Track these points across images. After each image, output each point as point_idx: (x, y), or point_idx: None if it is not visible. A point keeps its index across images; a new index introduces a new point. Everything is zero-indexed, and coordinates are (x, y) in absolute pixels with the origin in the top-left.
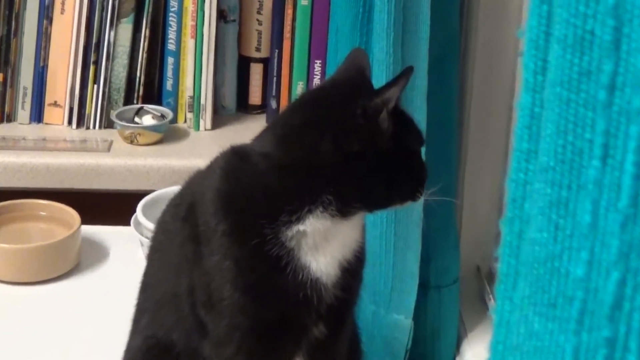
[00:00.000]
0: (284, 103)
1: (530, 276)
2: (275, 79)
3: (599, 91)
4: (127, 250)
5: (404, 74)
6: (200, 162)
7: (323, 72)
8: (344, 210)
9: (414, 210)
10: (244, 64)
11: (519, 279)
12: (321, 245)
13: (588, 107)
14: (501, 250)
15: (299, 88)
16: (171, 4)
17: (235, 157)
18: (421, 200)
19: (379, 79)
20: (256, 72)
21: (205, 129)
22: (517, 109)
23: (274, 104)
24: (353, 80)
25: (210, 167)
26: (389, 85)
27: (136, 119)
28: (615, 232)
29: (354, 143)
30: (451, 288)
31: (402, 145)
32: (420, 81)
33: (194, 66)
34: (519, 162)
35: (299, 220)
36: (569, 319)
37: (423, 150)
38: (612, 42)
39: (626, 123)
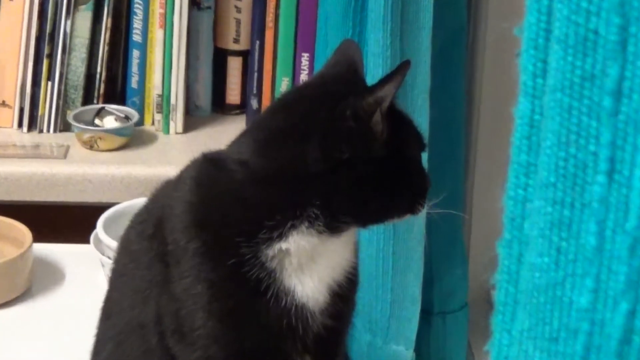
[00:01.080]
0: (266, 103)
1: (530, 306)
2: (256, 74)
3: (604, 98)
4: (85, 272)
5: (400, 69)
6: (170, 170)
7: (311, 67)
8: (333, 226)
9: (414, 225)
10: (220, 57)
11: (518, 308)
12: (307, 266)
13: (592, 116)
14: (498, 277)
15: (284, 85)
16: None
17: (209, 165)
18: (423, 214)
19: (374, 75)
20: (234, 67)
21: (176, 133)
22: (515, 116)
23: (254, 104)
24: (343, 76)
25: (180, 177)
26: (382, 82)
27: (96, 121)
28: (623, 257)
29: (343, 149)
30: (458, 314)
31: (399, 151)
32: (421, 77)
33: (163, 60)
34: (517, 177)
35: (281, 237)
36: (573, 355)
37: (425, 156)
38: (618, 42)
39: (634, 134)
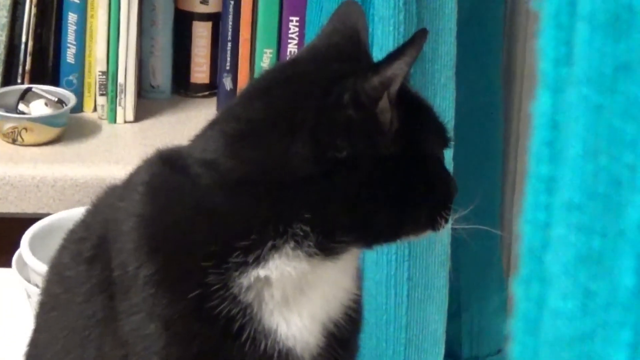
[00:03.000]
0: (242, 82)
1: None
2: (229, 45)
3: None
4: (6, 302)
5: (415, 41)
6: (117, 171)
7: (301, 36)
8: (327, 247)
9: (436, 244)
10: (183, 22)
11: None
12: (294, 299)
13: (627, 117)
14: (514, 324)
15: (266, 59)
16: None
17: (166, 166)
18: (447, 229)
19: (382, 47)
20: (202, 36)
21: (126, 121)
22: (533, 115)
23: (228, 84)
24: (341, 49)
25: (129, 182)
26: (391, 57)
27: (21, 107)
28: None
29: (340, 146)
30: None
31: (414, 148)
32: (445, 49)
33: (108, 26)
34: (536, 195)
35: (259, 262)
36: None
37: (449, 154)
38: None
39: None
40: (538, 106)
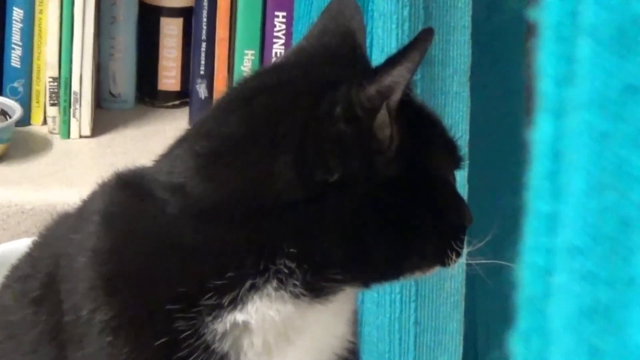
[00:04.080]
0: (219, 90)
1: None
2: (204, 46)
3: None
4: None
5: (418, 42)
6: (71, 196)
7: (288, 36)
8: (316, 286)
9: (447, 282)
10: (149, 19)
11: None
12: (278, 348)
13: (636, 148)
14: None
15: (247, 62)
16: None
17: (125, 192)
18: (460, 264)
19: (383, 47)
20: (171, 34)
21: (81, 136)
22: (532, 144)
23: (202, 91)
24: (334, 52)
25: (82, 211)
26: (391, 62)
27: None
28: None
29: (331, 166)
30: None
31: (418, 169)
32: (458, 51)
33: (60, 25)
34: (536, 237)
35: (235, 304)
36: None
37: (462, 175)
38: None
39: None
40: (537, 133)
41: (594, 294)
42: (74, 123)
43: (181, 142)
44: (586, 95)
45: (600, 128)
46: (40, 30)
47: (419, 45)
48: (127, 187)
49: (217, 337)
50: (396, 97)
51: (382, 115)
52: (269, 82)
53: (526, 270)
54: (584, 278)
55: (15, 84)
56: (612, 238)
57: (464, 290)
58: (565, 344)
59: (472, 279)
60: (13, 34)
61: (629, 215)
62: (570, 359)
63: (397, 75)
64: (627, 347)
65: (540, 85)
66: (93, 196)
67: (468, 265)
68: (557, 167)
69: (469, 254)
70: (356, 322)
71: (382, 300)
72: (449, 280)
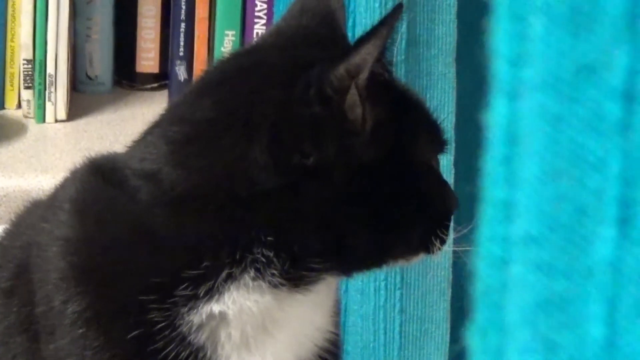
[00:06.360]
0: (199, 72)
1: None
2: (183, 26)
3: (608, 102)
4: None
5: (386, 19)
6: (46, 182)
7: (269, 16)
8: (295, 276)
9: (434, 269)
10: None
11: None
12: (256, 340)
13: (591, 132)
14: None
15: (228, 43)
16: None
17: (97, 179)
18: (446, 251)
19: (367, 28)
20: (149, 15)
21: (57, 120)
22: (486, 126)
23: (181, 73)
24: (312, 33)
25: (53, 199)
26: (360, 41)
27: None
28: None
29: (306, 150)
30: None
31: (400, 153)
32: (444, 30)
33: (34, 4)
34: (491, 226)
35: (211, 295)
36: None
37: (448, 159)
38: (628, 15)
39: None
40: (492, 116)
41: (550, 286)
42: (49, 107)
43: (154, 127)
44: (540, 76)
45: (554, 111)
46: (13, 11)
47: (386, 21)
48: (99, 174)
49: (193, 329)
50: (364, 75)
51: (352, 95)
52: (244, 64)
53: (482, 261)
54: (539, 269)
55: None
56: (568, 227)
57: (450, 278)
58: (521, 339)
59: (459, 266)
60: None
61: (585, 203)
62: (526, 354)
63: (364, 53)
64: (584, 342)
65: (495, 65)
66: (64, 183)
67: (455, 252)
68: (512, 152)
69: (455, 241)
70: (338, 313)
71: (367, 288)
72: (435, 267)
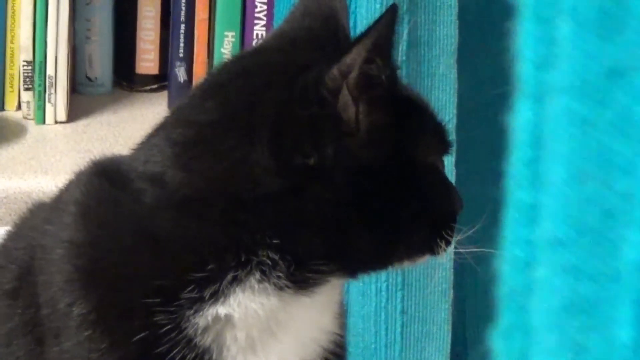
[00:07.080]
0: (199, 73)
1: None
2: (183, 27)
3: (637, 106)
4: None
5: (379, 20)
6: (46, 183)
7: (269, 17)
8: (300, 278)
9: (436, 270)
10: (126, 1)
11: None
12: (262, 342)
13: (619, 136)
14: None
15: (227, 44)
16: None
17: (102, 181)
18: (449, 252)
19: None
20: (149, 16)
21: (57, 122)
22: (510, 130)
23: (181, 75)
24: (315, 35)
25: (58, 201)
26: (354, 42)
27: None
28: None
29: (307, 151)
30: None
31: (404, 155)
32: (445, 31)
33: (34, 6)
34: (516, 228)
35: (217, 297)
36: None
37: (450, 160)
38: None
39: None
40: (517, 119)
41: (577, 289)
42: (49, 108)
43: (159, 129)
44: (567, 79)
45: (582, 114)
46: (13, 12)
47: (380, 21)
48: (104, 176)
49: (199, 331)
50: (353, 74)
51: (344, 95)
52: (247, 66)
53: (506, 264)
54: (567, 272)
55: None
56: (595, 230)
57: (452, 279)
58: (547, 342)
59: (461, 267)
60: None
61: (613, 206)
62: (553, 357)
63: (355, 53)
64: (612, 345)
65: (520, 68)
66: (69, 186)
67: (457, 253)
68: (538, 155)
69: (459, 242)
70: (343, 315)
71: (368, 290)
72: (437, 269)
